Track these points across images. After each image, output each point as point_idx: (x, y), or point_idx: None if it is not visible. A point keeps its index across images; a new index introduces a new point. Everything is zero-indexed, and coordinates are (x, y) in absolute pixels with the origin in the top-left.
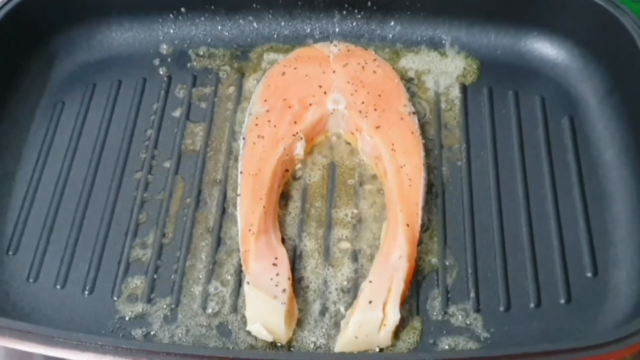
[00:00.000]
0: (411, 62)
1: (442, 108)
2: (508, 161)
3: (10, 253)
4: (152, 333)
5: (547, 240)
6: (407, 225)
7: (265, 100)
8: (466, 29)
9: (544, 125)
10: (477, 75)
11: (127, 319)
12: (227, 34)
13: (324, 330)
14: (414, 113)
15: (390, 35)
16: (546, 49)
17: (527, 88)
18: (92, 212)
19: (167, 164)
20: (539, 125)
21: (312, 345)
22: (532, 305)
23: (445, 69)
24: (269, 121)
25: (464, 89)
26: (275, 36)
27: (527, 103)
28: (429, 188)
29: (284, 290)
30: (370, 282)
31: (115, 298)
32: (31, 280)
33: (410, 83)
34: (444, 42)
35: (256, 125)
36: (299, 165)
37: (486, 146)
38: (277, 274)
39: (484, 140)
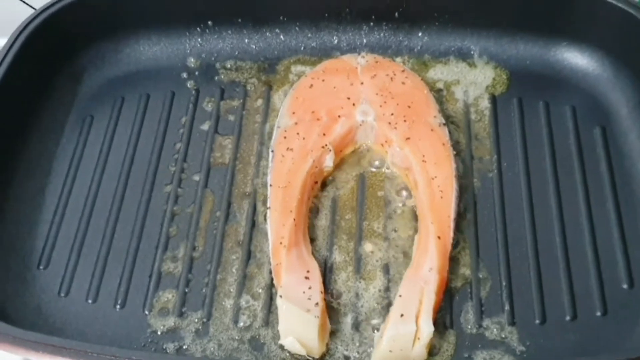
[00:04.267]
0: (440, 73)
1: (472, 119)
2: (540, 172)
3: (41, 267)
4: (184, 347)
5: (582, 251)
6: (439, 237)
7: (294, 113)
8: (495, 39)
9: (576, 136)
10: (506, 86)
11: (159, 333)
12: (254, 46)
13: (357, 344)
14: (444, 124)
15: (418, 46)
16: (576, 58)
17: (558, 98)
18: (123, 225)
19: (196, 177)
20: (570, 135)
21: None
22: (567, 317)
23: (474, 80)
24: (298, 134)
25: (493, 99)
26: (302, 48)
27: (558, 113)
28: (460, 200)
29: (317, 303)
30: (400, 296)
31: (146, 312)
32: (62, 294)
33: (439, 94)
34: (472, 52)
35: (285, 138)
36: (328, 178)
37: (517, 157)
38: (310, 287)
39: (515, 151)
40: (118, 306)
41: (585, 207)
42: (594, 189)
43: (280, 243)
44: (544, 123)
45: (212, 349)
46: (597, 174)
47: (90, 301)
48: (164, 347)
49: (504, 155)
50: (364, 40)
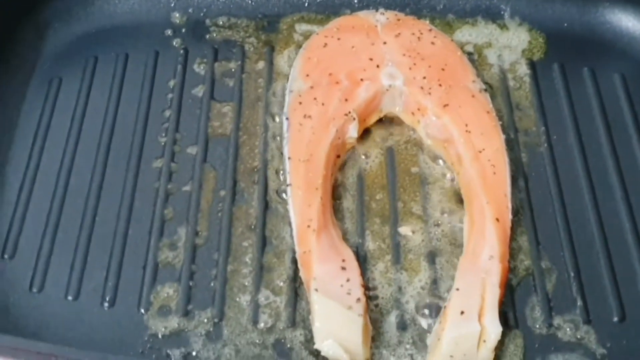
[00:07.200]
0: (467, 34)
1: (510, 86)
2: (595, 146)
3: (6, 257)
4: (193, 354)
5: None
6: (497, 219)
7: (308, 75)
8: None
9: (629, 105)
10: (544, 51)
11: (160, 336)
12: (249, 1)
13: (405, 347)
14: (485, 90)
15: (441, 5)
16: (620, 20)
17: (604, 65)
18: (106, 206)
19: (192, 150)
20: (623, 105)
21: None
22: None
23: (508, 43)
24: (315, 99)
25: (532, 65)
26: (306, 4)
27: (606, 81)
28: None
29: (359, 299)
30: (457, 289)
31: (143, 311)
32: (35, 289)
33: (470, 57)
34: (502, 12)
35: (300, 103)
36: (351, 151)
37: (568, 129)
38: (348, 280)
39: (564, 123)
40: (106, 304)
41: None
42: None
43: (308, 226)
44: (592, 92)
45: (228, 355)
46: None
47: (70, 298)
48: (168, 353)
49: (552, 128)
50: None
